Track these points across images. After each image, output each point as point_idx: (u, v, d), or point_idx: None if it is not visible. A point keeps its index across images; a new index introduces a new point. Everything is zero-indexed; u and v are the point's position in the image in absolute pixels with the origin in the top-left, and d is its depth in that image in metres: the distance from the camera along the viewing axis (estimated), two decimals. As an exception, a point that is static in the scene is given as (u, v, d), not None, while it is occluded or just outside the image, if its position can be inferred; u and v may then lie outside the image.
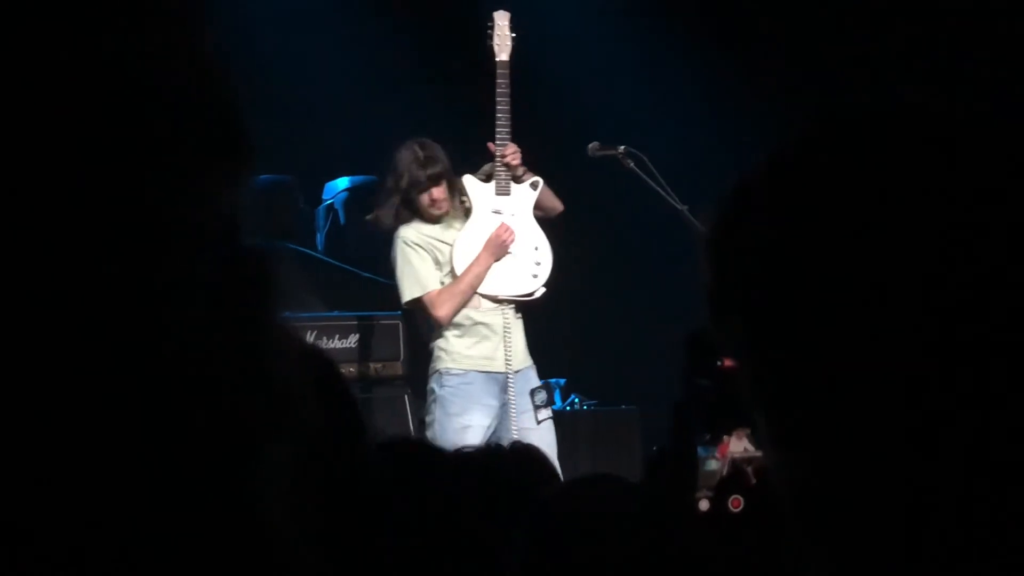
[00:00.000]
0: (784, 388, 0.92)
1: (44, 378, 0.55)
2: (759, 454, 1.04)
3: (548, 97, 5.82)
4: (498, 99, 5.66)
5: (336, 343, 6.32)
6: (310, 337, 5.99)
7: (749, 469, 1.12)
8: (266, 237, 6.74)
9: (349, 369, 6.13)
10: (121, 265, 0.56)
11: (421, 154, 5.63)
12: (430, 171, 5.61)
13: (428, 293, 5.62)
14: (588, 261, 6.10)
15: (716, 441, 1.16)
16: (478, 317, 5.66)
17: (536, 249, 5.72)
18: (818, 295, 0.89)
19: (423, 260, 5.64)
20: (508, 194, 5.70)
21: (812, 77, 7.23)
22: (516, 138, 5.71)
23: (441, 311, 5.61)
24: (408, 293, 5.63)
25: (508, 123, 5.63)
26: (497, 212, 5.69)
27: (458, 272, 5.64)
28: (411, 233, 5.65)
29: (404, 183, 5.61)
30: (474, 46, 6.86)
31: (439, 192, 5.62)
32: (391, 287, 5.92)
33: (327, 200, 7.48)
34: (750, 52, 7.80)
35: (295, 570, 0.60)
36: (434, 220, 5.69)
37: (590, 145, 5.98)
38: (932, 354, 0.86)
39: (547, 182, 5.80)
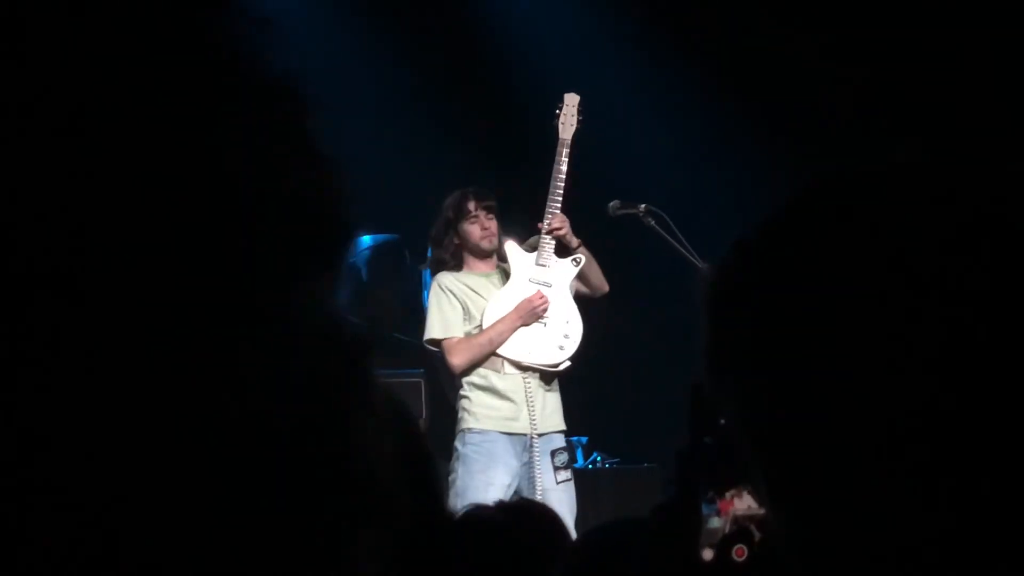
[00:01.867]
0: (778, 446, 0.93)
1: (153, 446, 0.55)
2: (762, 511, 1.04)
3: (571, 156, 5.84)
4: (554, 175, 5.77)
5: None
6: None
7: (752, 526, 1.12)
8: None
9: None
10: (232, 361, 0.57)
11: (472, 189, 5.76)
12: (484, 202, 5.71)
13: (449, 338, 5.68)
14: (610, 319, 6.09)
15: (719, 498, 1.16)
16: (497, 380, 5.68)
17: (567, 323, 5.76)
18: (809, 354, 0.90)
19: (453, 307, 5.70)
20: (548, 266, 5.76)
21: (833, 136, 7.24)
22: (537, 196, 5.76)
23: (456, 359, 5.66)
24: (430, 332, 5.71)
25: (560, 199, 5.71)
26: (534, 281, 5.73)
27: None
28: (448, 279, 5.74)
29: (458, 213, 5.71)
30: (498, 114, 6.87)
31: (491, 222, 5.68)
32: (413, 346, 5.94)
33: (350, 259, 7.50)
34: (773, 109, 7.82)
35: None
36: (484, 255, 5.76)
37: (610, 204, 6.00)
38: (923, 413, 0.87)
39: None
